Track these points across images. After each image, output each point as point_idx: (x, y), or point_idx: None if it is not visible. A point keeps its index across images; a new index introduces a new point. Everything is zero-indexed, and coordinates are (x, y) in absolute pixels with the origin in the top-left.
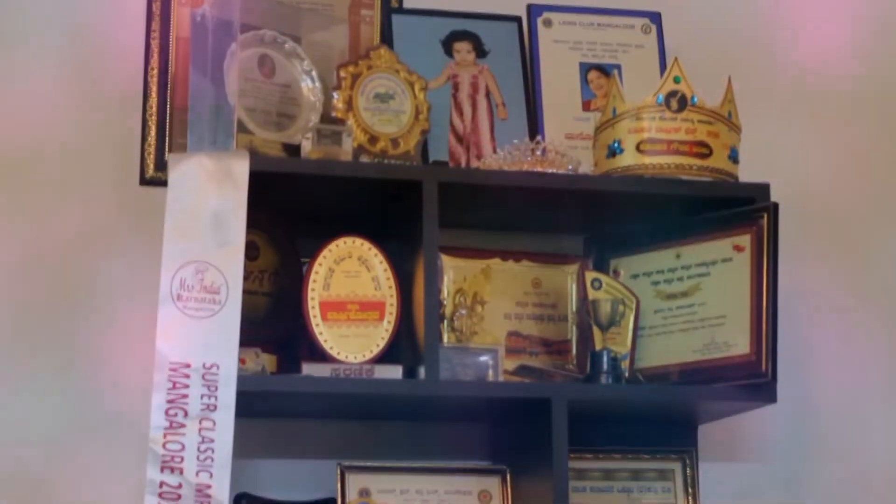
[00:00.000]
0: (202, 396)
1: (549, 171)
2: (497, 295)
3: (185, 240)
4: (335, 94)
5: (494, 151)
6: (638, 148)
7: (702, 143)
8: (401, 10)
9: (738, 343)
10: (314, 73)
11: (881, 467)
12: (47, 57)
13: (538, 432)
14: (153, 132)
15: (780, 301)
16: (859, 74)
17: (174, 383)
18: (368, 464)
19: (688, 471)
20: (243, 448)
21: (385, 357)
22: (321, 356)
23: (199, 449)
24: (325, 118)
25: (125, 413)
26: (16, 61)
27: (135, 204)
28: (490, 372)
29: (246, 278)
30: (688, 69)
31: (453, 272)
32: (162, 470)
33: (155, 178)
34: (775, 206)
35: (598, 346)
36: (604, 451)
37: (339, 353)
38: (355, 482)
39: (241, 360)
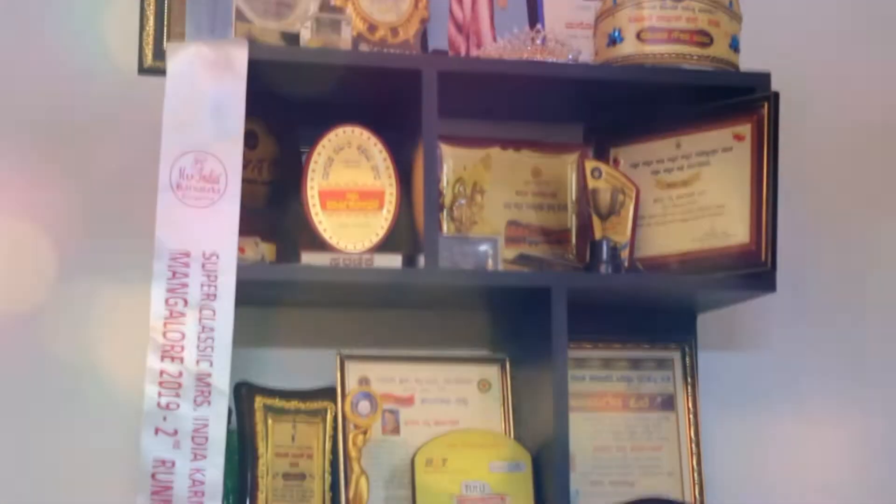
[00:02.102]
0: (202, 285)
1: (549, 60)
2: (496, 184)
3: (183, 129)
4: None
5: (494, 40)
6: (638, 36)
7: (702, 32)
8: None
9: (737, 232)
10: None
11: (879, 355)
12: None
13: (537, 321)
14: (151, 21)
15: (779, 190)
16: None
17: (174, 272)
18: (368, 353)
19: (687, 360)
20: (243, 337)
21: (384, 246)
22: (320, 245)
23: (199, 338)
24: (324, 7)
25: None
26: None
27: (133, 93)
28: (489, 261)
29: (245, 167)
30: None
31: (453, 161)
32: (162, 359)
33: (153, 68)
34: (776, 95)
35: (597, 236)
36: (603, 340)
37: (338, 242)
38: (355, 371)
39: (241, 249)
